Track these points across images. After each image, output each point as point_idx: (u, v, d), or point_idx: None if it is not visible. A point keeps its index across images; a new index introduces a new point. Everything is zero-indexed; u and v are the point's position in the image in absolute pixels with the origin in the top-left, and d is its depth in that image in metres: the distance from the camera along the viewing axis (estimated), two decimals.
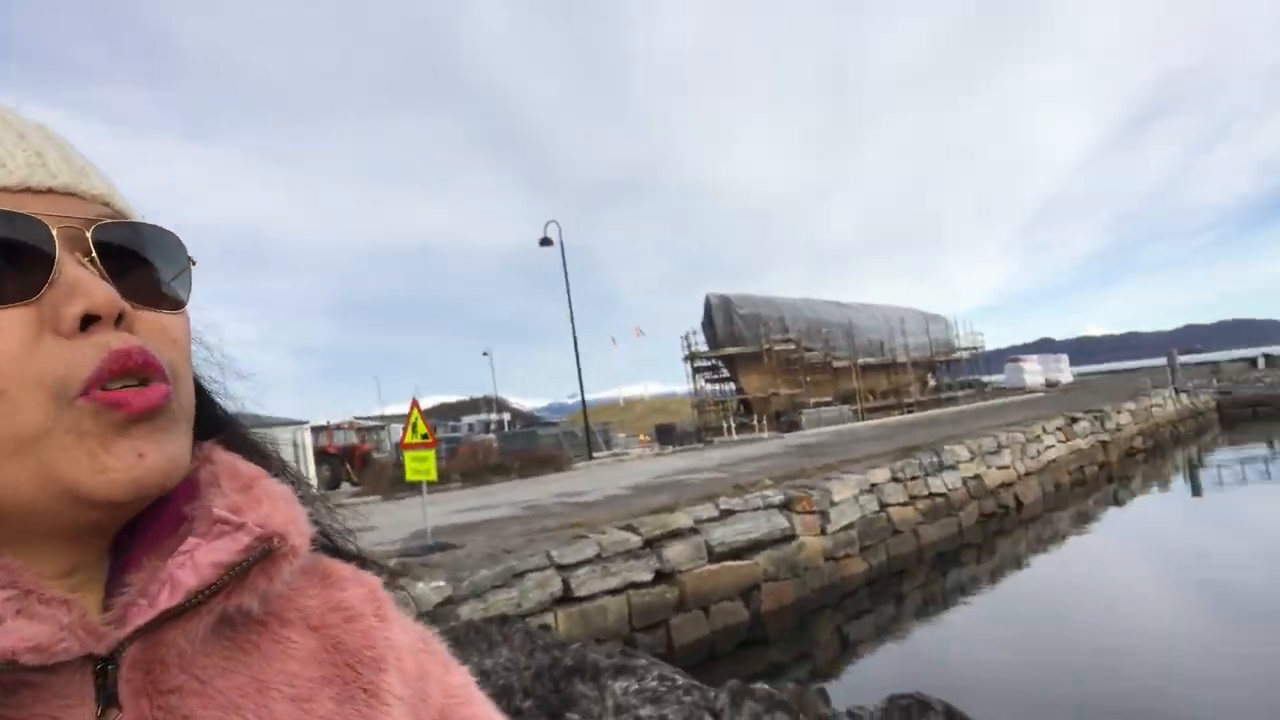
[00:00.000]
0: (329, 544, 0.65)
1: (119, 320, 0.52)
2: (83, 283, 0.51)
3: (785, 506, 10.75)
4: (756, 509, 10.42)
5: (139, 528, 0.56)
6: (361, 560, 0.68)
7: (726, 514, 10.06)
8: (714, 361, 36.78)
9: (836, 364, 37.02)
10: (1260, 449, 24.93)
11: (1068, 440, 19.44)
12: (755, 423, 31.47)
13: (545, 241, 23.42)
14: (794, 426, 29.69)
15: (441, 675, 0.67)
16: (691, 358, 36.47)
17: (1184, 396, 30.86)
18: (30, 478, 0.48)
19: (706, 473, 15.46)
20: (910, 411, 34.10)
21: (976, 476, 14.78)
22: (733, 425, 31.33)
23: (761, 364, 34.89)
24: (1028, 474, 16.59)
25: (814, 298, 39.90)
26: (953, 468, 14.31)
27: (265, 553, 0.54)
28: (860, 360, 37.21)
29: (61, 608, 0.48)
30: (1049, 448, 18.25)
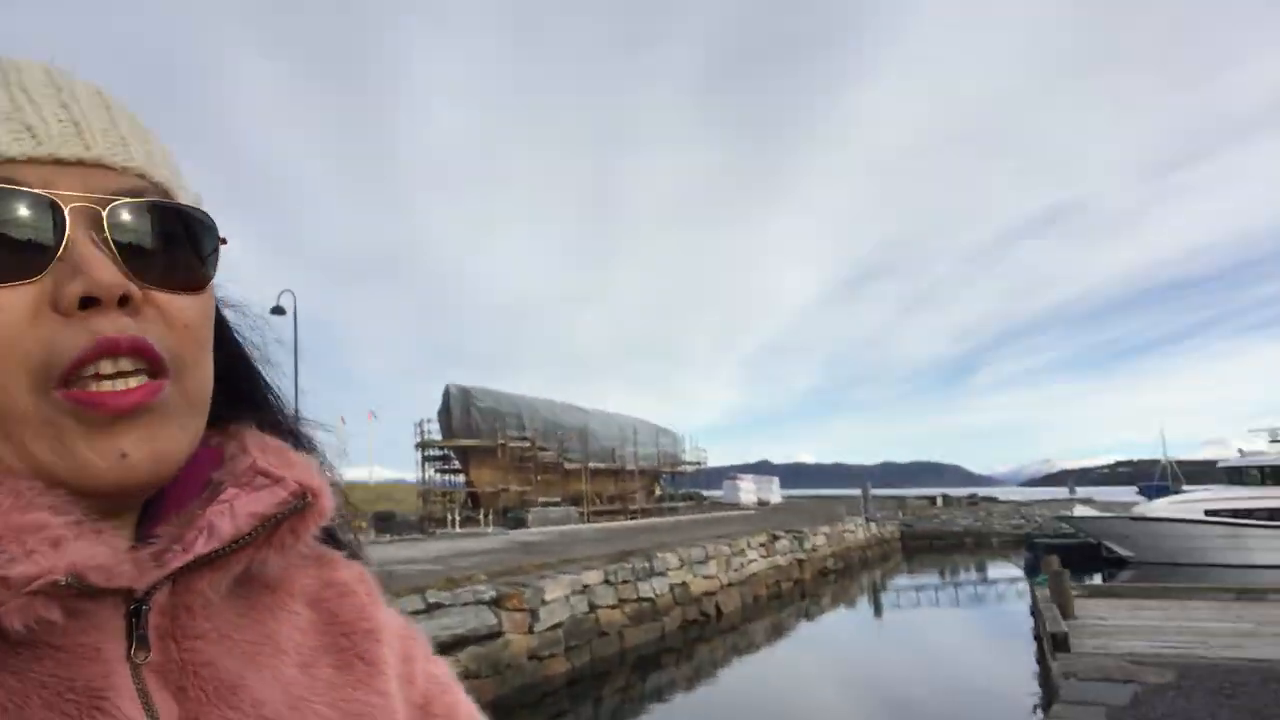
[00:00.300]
0: (325, 531, 0.64)
1: (125, 302, 0.50)
2: (88, 263, 0.49)
3: (495, 603, 10.59)
4: (466, 604, 10.18)
5: (166, 488, 0.56)
6: (352, 551, 0.68)
7: (434, 607, 9.74)
8: (446, 451, 36.00)
9: (568, 465, 37.44)
10: (933, 578, 27.95)
11: (769, 555, 20.77)
12: (481, 517, 30.97)
13: (277, 310, 22.27)
14: (520, 524, 29.50)
15: (425, 661, 0.69)
16: (423, 445, 35.50)
17: (873, 525, 34.05)
18: (14, 458, 0.48)
19: (423, 564, 14.95)
20: (634, 517, 35.07)
21: (683, 584, 15.36)
22: (458, 518, 30.62)
23: (495, 458, 34.59)
24: (730, 584, 17.47)
25: (554, 399, 40.43)
26: (662, 574, 14.79)
27: (298, 508, 0.56)
28: (591, 464, 37.91)
29: (116, 537, 0.50)
30: (751, 561, 19.38)
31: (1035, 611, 11.39)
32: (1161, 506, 28.93)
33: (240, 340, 0.66)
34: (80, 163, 0.52)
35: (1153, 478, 47.00)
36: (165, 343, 0.52)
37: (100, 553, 0.47)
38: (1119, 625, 10.01)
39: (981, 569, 30.36)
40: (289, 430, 0.65)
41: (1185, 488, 39.62)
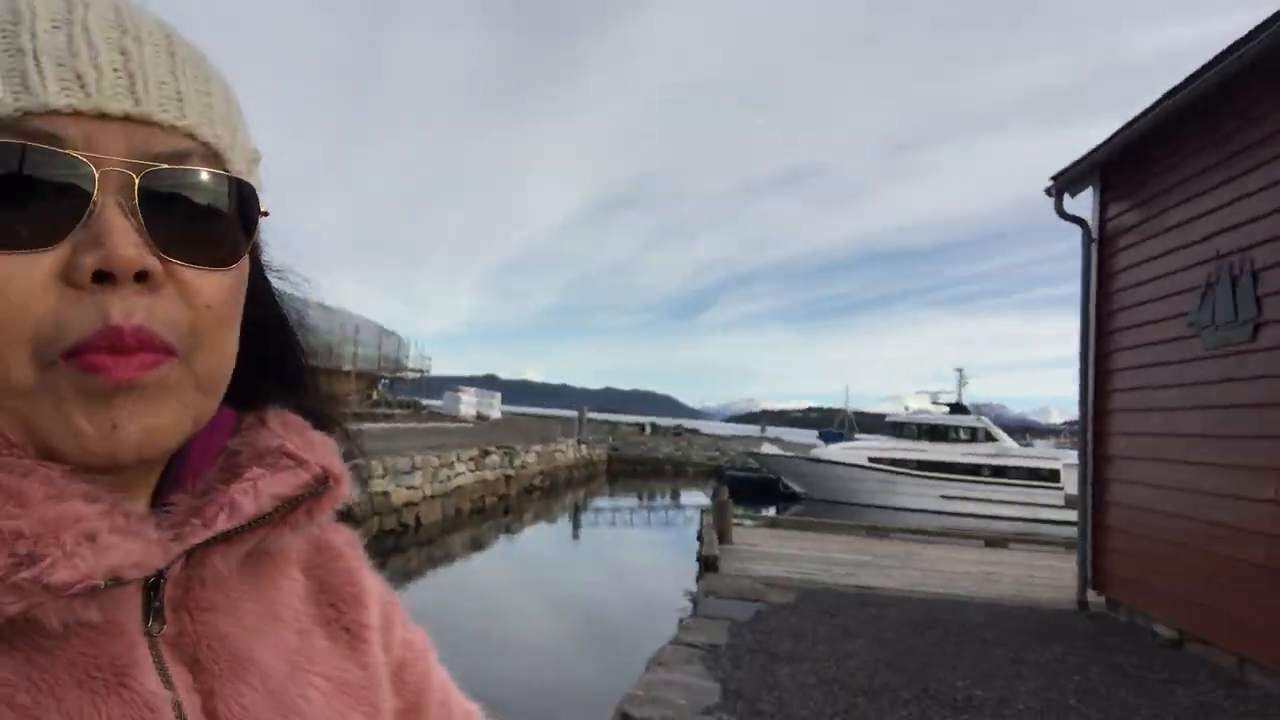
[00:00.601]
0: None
1: (145, 277, 0.47)
2: (109, 233, 0.46)
3: None
4: None
5: (182, 457, 0.56)
6: (345, 513, 0.65)
7: None
8: None
9: None
10: (631, 501, 29.86)
11: (477, 470, 21.21)
12: None
13: None
14: None
15: (402, 629, 0.69)
16: None
17: (584, 447, 35.59)
18: (18, 432, 0.47)
19: None
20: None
21: (384, 493, 15.42)
22: None
23: None
24: (433, 496, 17.73)
25: None
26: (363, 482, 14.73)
27: (318, 492, 0.56)
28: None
29: (147, 523, 0.49)
30: (459, 475, 19.71)
31: (700, 536, 12.66)
32: (834, 451, 32.69)
33: (282, 309, 0.64)
34: (127, 118, 0.49)
35: (834, 425, 52.72)
36: (179, 322, 0.50)
37: (136, 549, 0.47)
38: (765, 553, 11.42)
39: (676, 495, 32.83)
40: (313, 409, 0.63)
41: (858, 436, 44.86)
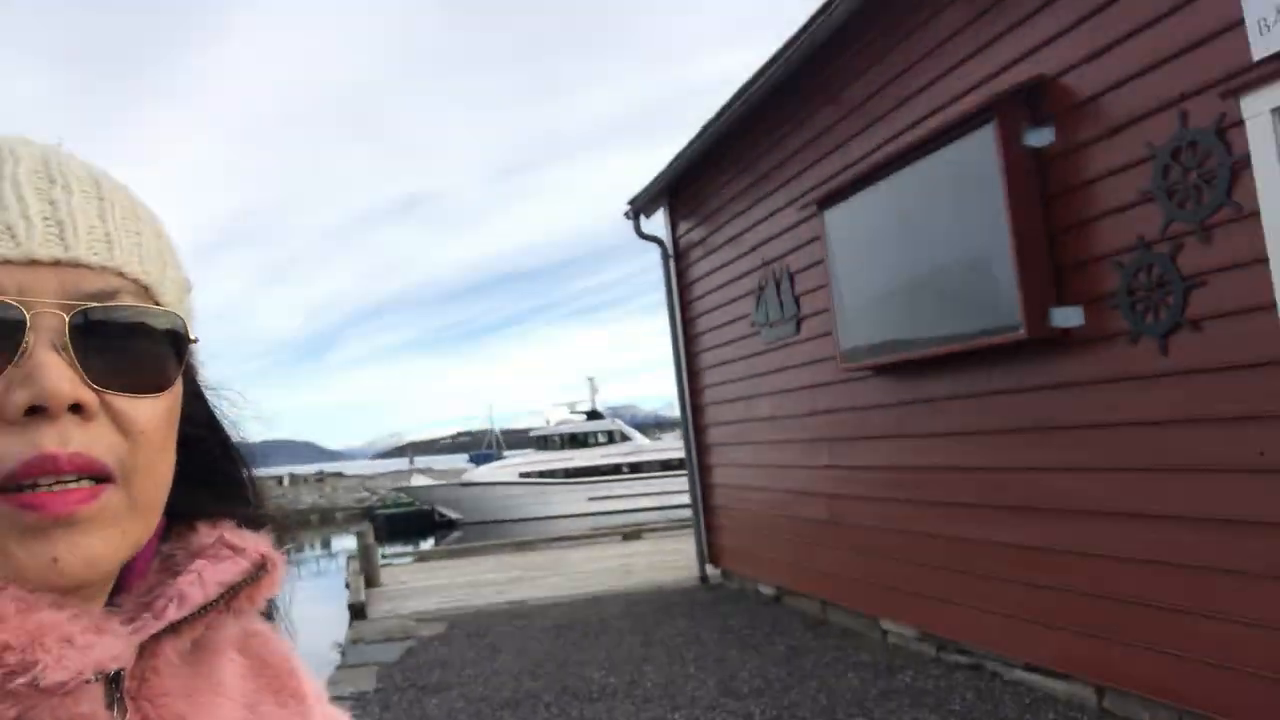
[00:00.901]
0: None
1: (79, 408, 0.49)
2: (41, 370, 0.48)
3: None
4: None
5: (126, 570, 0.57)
6: (269, 613, 0.69)
7: None
8: None
9: None
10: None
11: None
12: None
13: None
14: None
15: (324, 704, 0.71)
16: None
17: None
18: None
19: None
20: None
21: None
22: None
23: None
24: None
25: None
26: None
27: (258, 576, 0.59)
28: None
29: (112, 621, 0.52)
30: None
31: (347, 584, 12.25)
32: (485, 472, 33.07)
33: (219, 425, 0.66)
34: (57, 263, 0.51)
35: (482, 446, 53.30)
36: (115, 450, 0.51)
37: (115, 644, 0.50)
38: (415, 589, 11.33)
39: (327, 544, 31.19)
40: (245, 511, 0.65)
41: (507, 454, 45.76)
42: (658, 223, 9.83)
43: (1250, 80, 3.53)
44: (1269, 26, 3.44)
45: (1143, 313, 4.13)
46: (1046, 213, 4.65)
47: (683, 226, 9.53)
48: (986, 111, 4.77)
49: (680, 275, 9.57)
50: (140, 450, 0.53)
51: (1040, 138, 4.63)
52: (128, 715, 0.54)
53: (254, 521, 0.65)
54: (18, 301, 0.49)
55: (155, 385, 0.55)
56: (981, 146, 4.83)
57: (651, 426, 38.08)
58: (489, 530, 26.15)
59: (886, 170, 5.71)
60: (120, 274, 0.54)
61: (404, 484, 36.52)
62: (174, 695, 0.56)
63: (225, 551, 0.60)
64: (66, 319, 0.51)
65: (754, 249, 7.94)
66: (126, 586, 0.58)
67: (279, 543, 0.65)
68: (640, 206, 9.58)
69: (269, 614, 0.71)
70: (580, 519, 26.13)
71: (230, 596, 0.58)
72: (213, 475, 0.65)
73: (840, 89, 6.50)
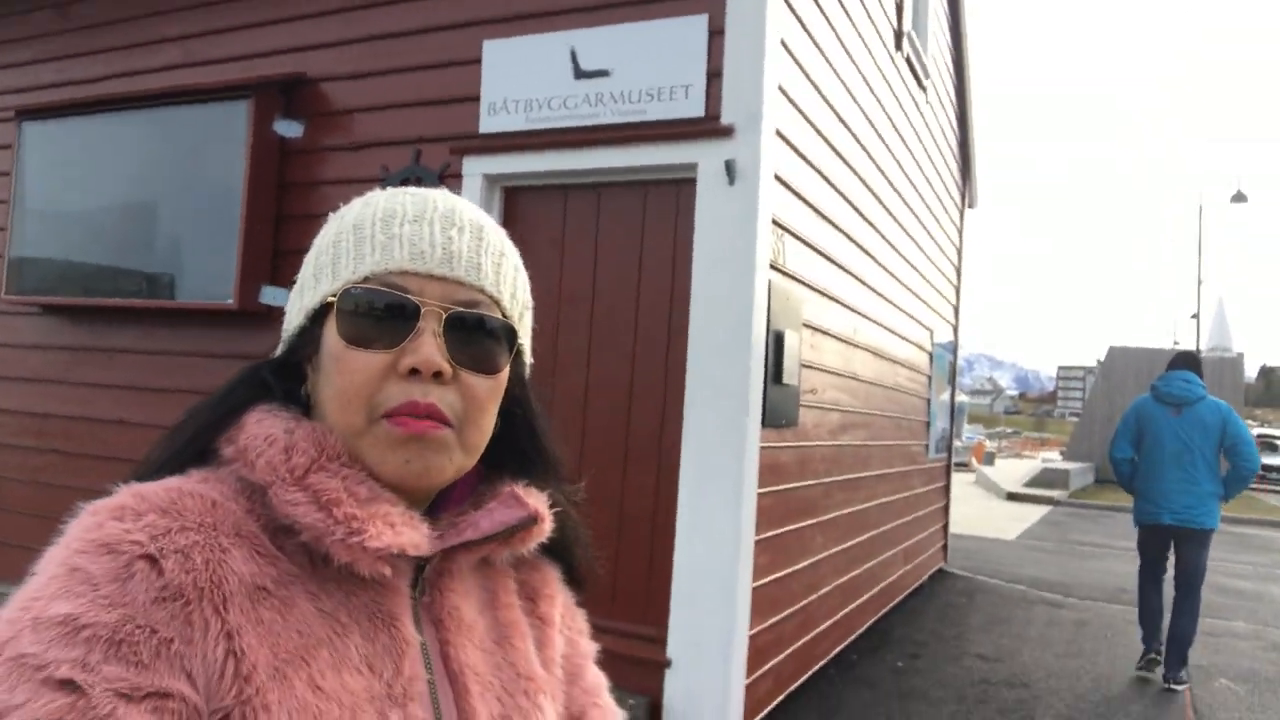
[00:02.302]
0: (560, 546, 0.93)
1: (440, 375, 0.75)
2: (422, 347, 0.74)
3: None
4: None
5: (450, 492, 0.83)
6: (576, 573, 0.97)
7: None
8: None
9: None
10: None
11: None
12: None
13: None
14: None
15: (574, 630, 0.95)
16: None
17: None
18: (355, 456, 0.75)
19: None
20: None
21: None
22: None
23: None
24: None
25: None
26: None
27: (529, 523, 0.82)
28: None
29: (424, 524, 0.76)
30: None
31: None
32: None
33: (532, 406, 0.89)
34: (444, 279, 0.77)
35: None
36: (454, 406, 0.76)
37: (417, 536, 0.74)
38: None
39: None
40: (544, 473, 0.90)
41: None
42: None
43: (473, 146, 4.46)
44: (495, 111, 4.43)
45: None
46: (279, 199, 4.95)
47: None
48: (245, 90, 4.89)
49: None
50: (471, 409, 0.77)
51: (290, 129, 4.94)
52: (424, 595, 0.79)
53: (543, 481, 0.88)
54: (418, 300, 0.75)
55: (490, 369, 0.79)
56: (232, 120, 4.90)
57: None
58: None
59: (118, 105, 5.29)
60: (482, 291, 0.79)
61: None
62: (457, 592, 0.81)
63: (513, 501, 0.82)
64: (444, 316, 0.76)
65: None
66: (445, 508, 0.83)
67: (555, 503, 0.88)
68: None
69: (569, 561, 0.96)
70: None
71: (509, 534, 0.82)
72: (521, 444, 0.89)
73: (70, 1, 5.77)
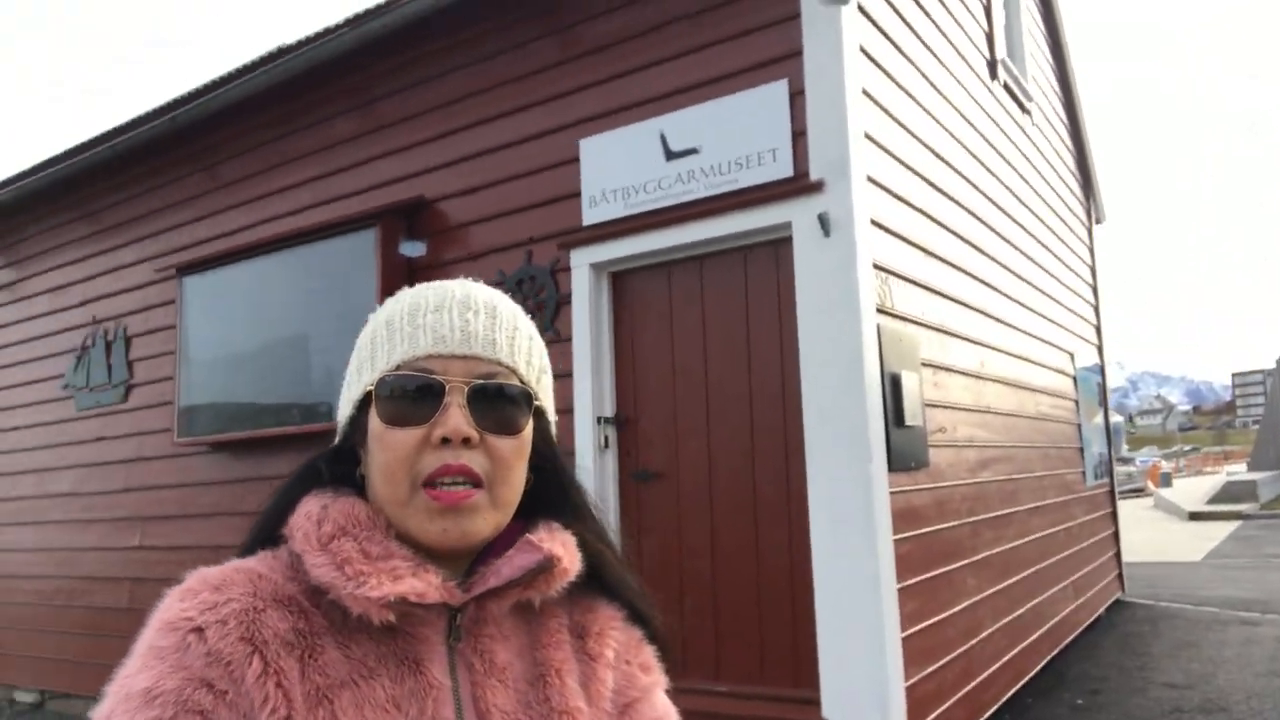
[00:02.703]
0: (605, 584, 0.99)
1: (467, 441, 0.85)
2: (450, 418, 0.85)
3: None
4: None
5: (493, 545, 0.90)
6: (635, 610, 1.01)
7: None
8: None
9: None
10: None
11: None
12: None
13: None
14: None
15: (634, 665, 0.97)
16: None
17: None
18: (400, 524, 0.86)
19: None
20: None
21: None
22: None
23: None
24: None
25: None
26: None
27: (547, 566, 0.89)
28: None
29: (436, 575, 0.84)
30: None
31: None
32: None
33: (559, 460, 0.99)
34: (464, 357, 0.88)
35: None
36: (484, 466, 0.86)
37: (418, 585, 0.82)
38: None
39: None
40: (578, 518, 0.98)
41: None
42: None
43: (578, 239, 4.73)
44: (596, 203, 4.69)
45: None
46: None
47: None
48: (371, 219, 5.35)
49: None
50: (499, 468, 0.87)
51: (414, 249, 5.35)
52: (459, 641, 0.87)
53: (574, 523, 0.97)
54: (443, 379, 0.86)
55: (513, 430, 0.88)
56: (362, 248, 5.36)
57: None
58: None
59: (260, 249, 5.87)
60: (499, 363, 0.89)
61: None
62: (492, 637, 0.89)
63: (529, 547, 0.89)
64: (466, 389, 0.86)
65: (84, 304, 7.16)
66: (487, 559, 0.90)
67: (596, 540, 0.98)
68: None
69: (624, 599, 1.00)
70: None
71: (531, 578, 0.89)
72: (552, 493, 0.97)
73: (215, 162, 6.49)
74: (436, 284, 0.94)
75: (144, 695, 0.74)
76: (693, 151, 4.46)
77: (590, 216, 4.72)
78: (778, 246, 4.31)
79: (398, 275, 5.30)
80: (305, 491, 0.91)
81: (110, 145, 6.65)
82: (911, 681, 3.97)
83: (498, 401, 0.88)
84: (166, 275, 6.47)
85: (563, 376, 4.72)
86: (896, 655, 3.87)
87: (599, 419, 4.64)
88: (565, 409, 4.69)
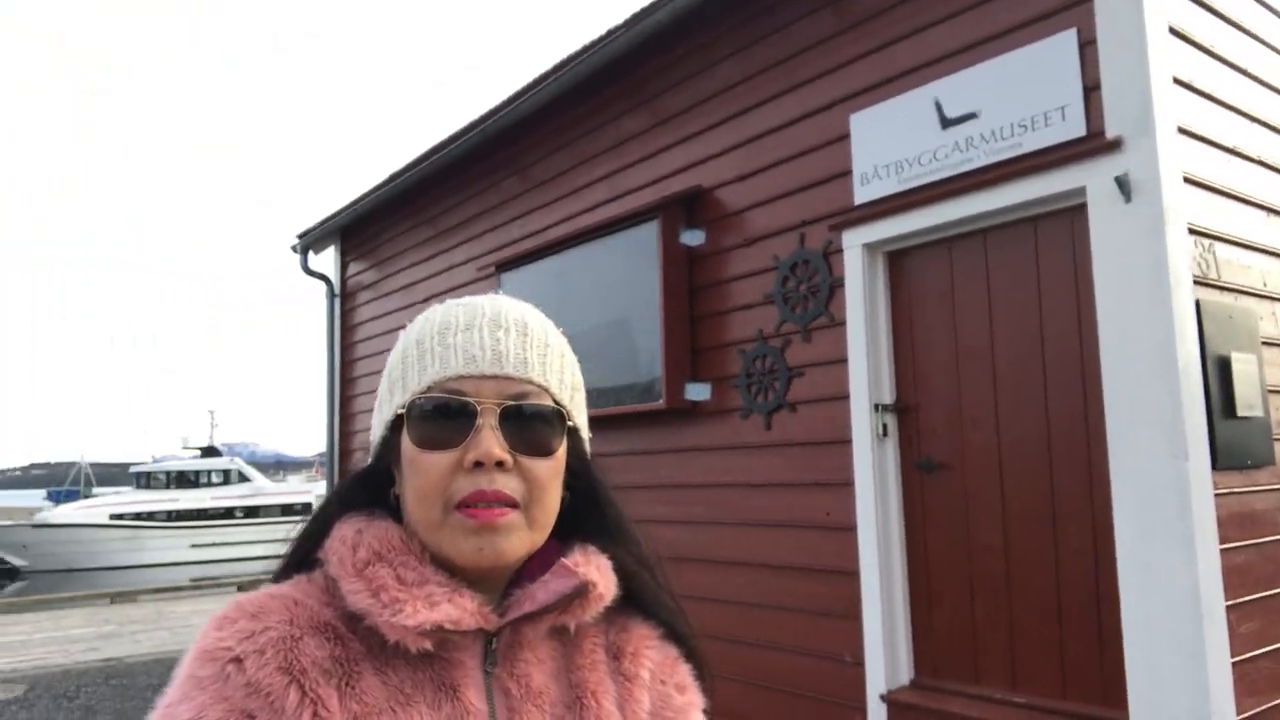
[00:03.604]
0: (642, 604, 0.98)
1: (500, 464, 0.83)
2: (483, 441, 0.83)
3: None
4: None
5: (528, 567, 0.89)
6: (672, 630, 1.00)
7: None
8: None
9: None
10: None
11: None
12: None
13: None
14: None
15: (670, 685, 0.96)
16: None
17: None
18: (435, 547, 0.84)
19: None
20: None
21: None
22: None
23: None
24: None
25: None
26: None
27: (582, 591, 0.87)
28: None
29: (471, 600, 0.83)
30: None
31: None
32: (66, 512, 28.73)
33: (595, 479, 0.97)
34: (496, 377, 0.85)
35: (66, 482, 46.08)
36: (519, 489, 0.83)
37: (453, 611, 0.80)
38: None
39: None
40: (614, 537, 0.97)
41: (97, 491, 40.17)
42: (326, 261, 9.68)
43: (850, 219, 4.54)
44: (868, 180, 4.48)
45: (755, 393, 5.00)
46: (691, 302, 5.46)
47: (352, 268, 9.48)
48: (653, 211, 5.52)
49: (344, 315, 9.47)
50: (534, 490, 0.86)
51: (693, 238, 5.45)
52: (496, 666, 0.86)
53: (611, 544, 0.96)
54: (475, 401, 0.85)
55: (546, 451, 0.87)
56: (646, 239, 5.56)
57: (271, 467, 35.63)
58: (67, 580, 22.80)
59: (562, 246, 6.30)
60: (530, 382, 0.88)
61: None
62: (528, 662, 0.88)
63: (565, 572, 0.88)
64: (498, 410, 0.85)
65: (427, 300, 8.13)
66: (521, 582, 0.89)
67: (638, 562, 0.99)
68: (309, 243, 9.39)
69: (661, 618, 0.99)
70: (181, 568, 23.72)
71: (566, 603, 0.88)
72: (589, 514, 0.97)
73: (527, 165, 7.04)
74: (466, 300, 0.92)
75: None
76: (971, 117, 4.09)
77: (862, 195, 4.51)
78: (1072, 215, 3.84)
79: (679, 263, 5.45)
80: (341, 514, 0.90)
81: (435, 158, 7.47)
82: (1246, 716, 3.41)
83: (531, 422, 0.86)
84: (487, 273, 7.17)
85: (838, 362, 4.58)
86: (1225, 683, 3.34)
87: (876, 405, 4.45)
88: (841, 395, 4.56)
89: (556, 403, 0.89)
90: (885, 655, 4.32)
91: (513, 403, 0.85)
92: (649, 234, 5.54)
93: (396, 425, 0.88)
